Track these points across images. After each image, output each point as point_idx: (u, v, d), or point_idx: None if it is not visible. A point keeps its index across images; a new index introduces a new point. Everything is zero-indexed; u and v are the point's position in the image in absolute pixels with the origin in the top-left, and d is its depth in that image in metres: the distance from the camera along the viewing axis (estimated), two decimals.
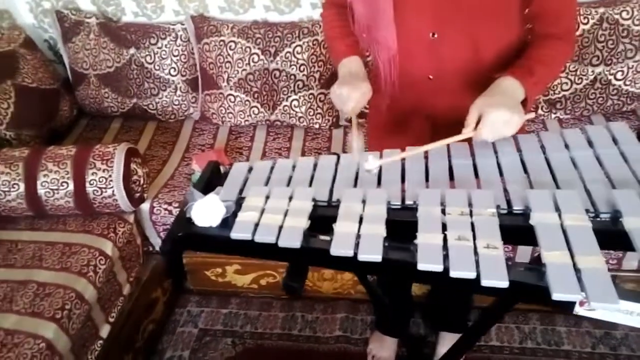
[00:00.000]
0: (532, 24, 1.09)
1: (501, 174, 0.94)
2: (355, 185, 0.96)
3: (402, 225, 0.83)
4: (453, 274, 0.70)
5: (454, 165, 0.96)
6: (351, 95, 1.05)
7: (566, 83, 1.98)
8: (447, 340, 1.74)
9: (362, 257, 0.75)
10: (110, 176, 1.68)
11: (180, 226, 0.88)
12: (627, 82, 1.96)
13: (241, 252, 0.85)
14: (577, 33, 1.92)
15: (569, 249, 0.72)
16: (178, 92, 2.24)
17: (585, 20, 1.91)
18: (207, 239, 0.87)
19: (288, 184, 0.97)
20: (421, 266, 0.72)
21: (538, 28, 1.07)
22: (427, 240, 0.75)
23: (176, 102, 2.26)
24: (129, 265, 1.80)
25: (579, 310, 0.69)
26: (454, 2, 1.02)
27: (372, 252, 0.75)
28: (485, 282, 0.68)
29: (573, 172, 0.90)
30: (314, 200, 0.88)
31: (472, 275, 0.70)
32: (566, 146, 0.98)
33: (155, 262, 1.95)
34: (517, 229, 0.80)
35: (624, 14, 1.89)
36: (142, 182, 1.77)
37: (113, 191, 1.68)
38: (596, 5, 1.92)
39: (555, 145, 0.98)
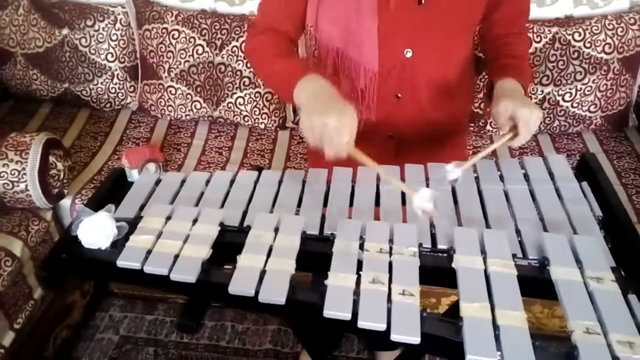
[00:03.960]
0: (492, 30, 1.10)
1: None
2: (273, 206, 0.86)
3: (317, 257, 0.75)
4: (361, 324, 0.63)
5: (382, 191, 0.89)
6: (343, 124, 0.78)
7: None
8: (385, 357, 1.70)
9: (263, 298, 0.66)
10: (24, 169, 1.52)
11: (65, 246, 0.76)
12: (575, 105, 1.95)
13: (131, 281, 0.75)
14: (530, 51, 1.90)
15: (490, 301, 0.65)
16: (115, 80, 2.09)
17: (538, 39, 1.89)
18: (93, 263, 0.75)
19: (197, 203, 0.86)
20: (327, 313, 0.64)
21: (499, 30, 1.08)
22: (338, 282, 0.67)
23: (112, 90, 2.10)
24: None
25: None
26: (431, 16, 0.97)
27: (275, 294, 0.66)
28: (395, 337, 0.61)
29: (505, 208, 0.84)
30: (221, 224, 0.78)
31: (381, 327, 0.62)
32: (501, 177, 0.92)
33: None
34: (438, 270, 0.73)
35: (576, 36, 1.88)
36: (61, 176, 1.62)
37: (26, 185, 1.53)
38: (550, 25, 1.90)
39: (490, 177, 0.91)
